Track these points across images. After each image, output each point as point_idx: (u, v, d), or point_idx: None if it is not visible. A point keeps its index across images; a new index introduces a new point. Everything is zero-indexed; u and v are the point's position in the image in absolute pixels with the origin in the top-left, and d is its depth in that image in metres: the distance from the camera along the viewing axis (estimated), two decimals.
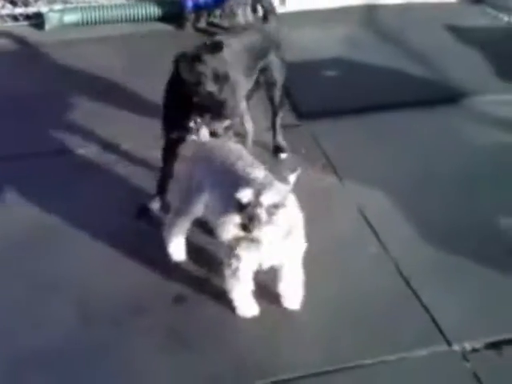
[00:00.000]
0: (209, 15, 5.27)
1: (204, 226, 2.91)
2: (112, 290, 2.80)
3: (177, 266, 2.89)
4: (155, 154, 3.27)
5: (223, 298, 2.68)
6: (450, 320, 2.65)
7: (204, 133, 2.78)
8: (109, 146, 3.70)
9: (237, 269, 2.49)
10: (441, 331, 2.60)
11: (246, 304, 2.63)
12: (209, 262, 2.87)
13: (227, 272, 2.53)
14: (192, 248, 2.93)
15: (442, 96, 4.29)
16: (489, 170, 3.59)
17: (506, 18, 5.55)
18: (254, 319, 2.64)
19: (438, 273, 2.90)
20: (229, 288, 2.59)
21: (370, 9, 5.59)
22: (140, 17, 5.27)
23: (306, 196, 2.56)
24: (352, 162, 3.51)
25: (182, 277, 2.84)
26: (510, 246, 3.05)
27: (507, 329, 2.64)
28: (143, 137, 3.69)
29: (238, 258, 2.45)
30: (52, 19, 5.12)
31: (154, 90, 4.23)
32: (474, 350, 2.53)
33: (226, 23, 5.19)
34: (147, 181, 3.34)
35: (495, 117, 4.10)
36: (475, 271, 2.90)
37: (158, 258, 2.91)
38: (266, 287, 2.69)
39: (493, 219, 3.22)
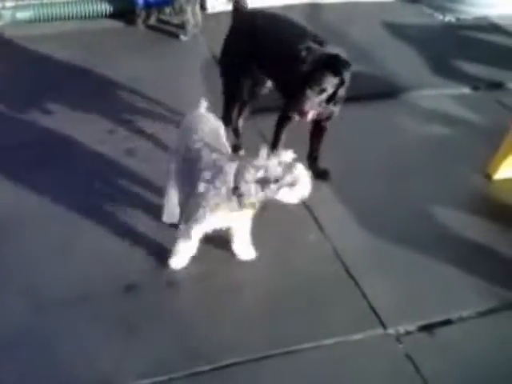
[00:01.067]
0: (159, 12, 5.30)
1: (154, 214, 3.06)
2: (62, 277, 2.83)
3: (128, 253, 2.95)
4: (102, 148, 3.39)
5: (172, 286, 2.80)
6: (386, 305, 2.76)
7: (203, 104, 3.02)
8: (59, 142, 3.72)
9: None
10: (377, 315, 2.71)
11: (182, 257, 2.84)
12: (159, 250, 2.93)
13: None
14: (142, 237, 3.03)
15: (380, 91, 4.40)
16: (422, 161, 3.75)
17: (440, 17, 5.74)
18: (199, 306, 2.75)
19: (375, 260, 3.02)
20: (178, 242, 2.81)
21: (313, 7, 5.68)
22: (91, 14, 5.28)
23: None
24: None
25: (132, 265, 2.90)
26: (440, 233, 3.21)
27: (439, 312, 2.77)
28: (93, 131, 3.77)
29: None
30: (5, 16, 5.11)
31: (105, 85, 4.28)
32: (408, 333, 2.66)
33: (175, 20, 5.23)
34: (98, 171, 3.45)
35: (429, 110, 4.27)
36: (409, 258, 3.03)
37: (109, 245, 2.98)
38: (213, 270, 2.84)
39: (424, 207, 3.36)
